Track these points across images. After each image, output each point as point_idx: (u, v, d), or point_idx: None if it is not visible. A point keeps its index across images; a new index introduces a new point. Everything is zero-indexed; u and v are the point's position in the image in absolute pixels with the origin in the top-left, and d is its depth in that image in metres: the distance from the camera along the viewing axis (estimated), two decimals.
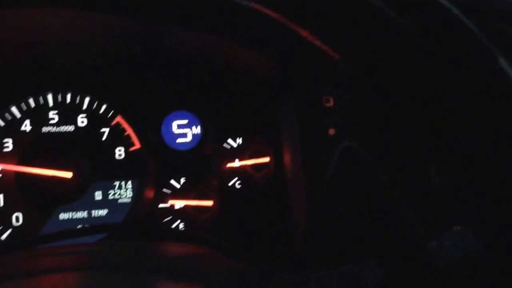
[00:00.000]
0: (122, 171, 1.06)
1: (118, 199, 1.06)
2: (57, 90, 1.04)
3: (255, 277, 0.58)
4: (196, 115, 1.10)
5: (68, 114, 1.04)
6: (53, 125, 1.04)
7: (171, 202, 1.06)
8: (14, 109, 1.02)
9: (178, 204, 1.06)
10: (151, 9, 0.82)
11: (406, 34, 0.63)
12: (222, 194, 1.08)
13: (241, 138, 1.10)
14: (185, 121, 1.10)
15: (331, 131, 0.96)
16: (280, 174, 1.07)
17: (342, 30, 0.73)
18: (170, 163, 1.08)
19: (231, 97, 1.09)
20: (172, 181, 1.07)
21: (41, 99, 1.03)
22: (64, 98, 1.05)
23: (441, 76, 0.72)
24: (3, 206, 1.00)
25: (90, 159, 1.04)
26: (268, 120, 1.07)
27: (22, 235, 1.00)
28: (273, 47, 0.93)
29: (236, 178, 1.09)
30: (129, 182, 1.07)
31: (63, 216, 1.03)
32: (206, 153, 1.09)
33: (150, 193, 1.06)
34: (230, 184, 1.09)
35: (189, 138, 1.10)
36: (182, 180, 1.07)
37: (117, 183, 1.06)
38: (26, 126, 1.02)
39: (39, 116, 1.03)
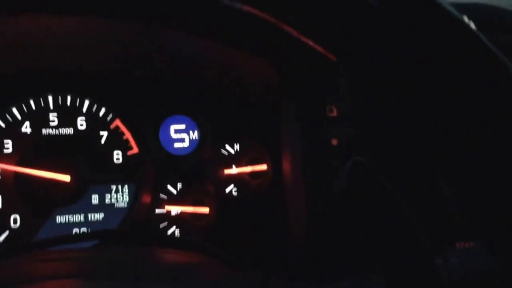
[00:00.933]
0: (119, 175, 1.07)
1: (115, 203, 1.06)
2: (57, 93, 1.05)
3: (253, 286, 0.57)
4: (194, 120, 1.10)
5: (68, 116, 1.05)
6: (53, 127, 1.04)
7: (167, 208, 1.06)
8: (14, 110, 1.03)
9: (175, 210, 1.06)
10: (150, 13, 0.82)
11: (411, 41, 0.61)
12: (219, 201, 1.08)
13: (238, 145, 1.09)
14: (183, 126, 1.10)
15: (334, 142, 0.94)
16: (277, 183, 1.06)
17: (333, 28, 0.71)
18: (167, 168, 1.08)
19: (230, 102, 1.09)
20: (169, 187, 1.07)
21: (41, 101, 1.04)
22: (64, 100, 1.05)
23: (450, 83, 0.69)
24: (2, 207, 1.01)
25: (88, 162, 1.05)
26: (267, 127, 1.06)
27: (19, 238, 1.01)
28: (273, 52, 0.92)
29: (232, 185, 1.09)
30: (126, 187, 1.07)
31: (60, 219, 1.03)
32: (203, 159, 1.09)
33: (147, 198, 1.06)
34: (226, 191, 1.08)
35: (186, 143, 1.09)
36: (179, 186, 1.07)
37: (114, 187, 1.07)
38: (26, 127, 1.03)
39: (39, 118, 1.04)
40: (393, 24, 0.59)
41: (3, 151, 1.02)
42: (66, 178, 1.03)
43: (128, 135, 1.07)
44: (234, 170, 1.09)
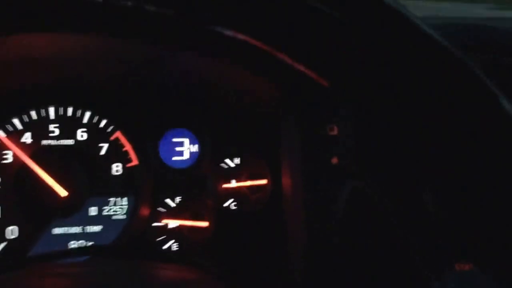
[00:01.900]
0: (118, 187, 1.06)
1: (113, 215, 1.06)
2: (59, 104, 1.05)
3: None
4: (194, 134, 1.10)
5: (68, 127, 1.05)
6: (53, 138, 1.05)
7: (165, 221, 1.06)
8: (15, 121, 1.03)
9: (172, 223, 1.06)
10: (150, 34, 0.83)
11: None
12: (217, 215, 1.07)
13: (239, 159, 1.09)
14: (182, 139, 1.09)
15: (334, 160, 0.94)
16: (277, 197, 1.05)
17: (320, 53, 0.72)
18: (166, 181, 1.07)
19: (230, 116, 1.09)
20: (168, 200, 1.06)
21: (42, 112, 1.05)
22: (65, 111, 1.06)
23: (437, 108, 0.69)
24: (0, 218, 1.01)
25: (88, 174, 1.05)
26: (268, 142, 1.06)
27: (16, 249, 1.00)
28: (274, 72, 0.92)
29: (232, 199, 1.08)
30: (125, 199, 1.07)
31: (57, 231, 1.03)
32: (203, 172, 1.09)
33: (145, 211, 1.06)
34: (225, 205, 1.08)
35: (186, 156, 1.09)
36: (178, 199, 1.07)
37: (112, 200, 1.06)
38: (27, 138, 1.04)
39: (40, 128, 1.04)
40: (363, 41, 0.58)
41: (2, 162, 1.02)
42: (64, 190, 1.02)
43: (128, 147, 1.07)
44: (233, 184, 1.08)
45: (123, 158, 1.07)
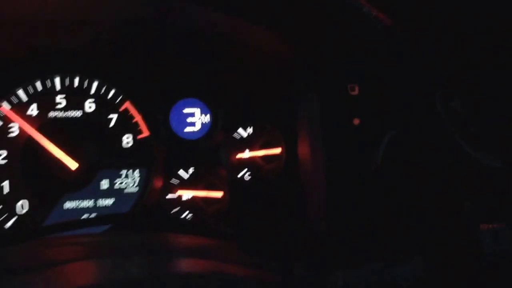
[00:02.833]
0: (129, 159, 1.04)
1: (125, 188, 1.03)
2: (65, 74, 1.01)
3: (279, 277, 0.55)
4: (206, 103, 1.07)
5: (75, 98, 1.02)
6: (60, 109, 1.01)
7: (179, 192, 1.03)
8: (20, 93, 0.99)
9: (186, 195, 1.04)
10: None
11: None
12: (232, 185, 1.05)
13: (251, 128, 1.07)
14: (194, 109, 1.07)
15: (356, 121, 0.91)
16: (292, 166, 1.03)
17: None
18: (179, 153, 1.05)
19: (242, 84, 1.06)
20: (181, 171, 1.04)
21: (48, 83, 1.00)
22: (72, 81, 1.02)
23: None
24: (8, 193, 0.97)
25: (97, 146, 1.02)
26: (282, 109, 1.04)
27: (27, 224, 0.98)
28: (293, 29, 0.88)
29: (245, 170, 1.06)
30: (137, 171, 1.04)
31: (68, 205, 1.00)
32: (216, 143, 1.06)
33: (158, 183, 1.04)
34: (239, 175, 1.06)
35: (198, 127, 1.07)
36: (191, 171, 1.05)
37: (124, 172, 1.04)
38: (33, 110, 1.00)
39: (46, 100, 1.00)
40: None
41: (8, 135, 0.98)
42: (74, 163, 1.00)
43: (138, 118, 1.04)
44: (247, 154, 1.06)
45: (134, 130, 1.04)
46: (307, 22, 0.83)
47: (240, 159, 1.06)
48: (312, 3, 0.75)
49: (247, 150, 1.06)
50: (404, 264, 0.56)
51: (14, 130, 0.99)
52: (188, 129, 1.06)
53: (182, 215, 1.04)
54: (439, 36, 0.79)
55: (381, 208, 0.86)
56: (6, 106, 0.98)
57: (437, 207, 0.83)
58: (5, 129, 0.97)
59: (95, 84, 1.02)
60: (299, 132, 0.99)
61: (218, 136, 1.06)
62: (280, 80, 1.02)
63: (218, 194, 1.04)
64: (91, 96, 1.03)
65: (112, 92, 1.03)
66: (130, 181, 1.04)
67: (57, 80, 1.01)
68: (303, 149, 0.98)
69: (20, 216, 0.97)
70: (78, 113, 1.02)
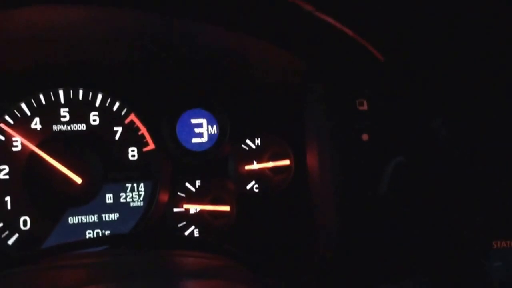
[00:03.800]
0: (134, 172, 1.01)
1: (130, 202, 1.00)
2: (68, 87, 1.00)
3: None
4: (213, 114, 1.05)
5: (79, 111, 1.00)
6: (64, 123, 0.99)
7: (186, 206, 1.00)
8: (23, 106, 0.97)
9: (193, 208, 1.01)
10: (172, 3, 0.77)
11: None
12: (239, 198, 1.02)
13: (259, 139, 1.04)
14: (201, 120, 1.04)
15: (365, 137, 0.89)
16: (301, 178, 1.00)
17: (388, 30, 0.69)
18: (185, 165, 1.02)
19: (250, 94, 1.04)
20: (187, 184, 1.01)
21: (51, 96, 0.99)
22: (76, 94, 1.00)
23: None
24: (10, 209, 0.95)
25: (102, 160, 0.99)
26: (290, 120, 1.01)
27: (30, 240, 0.95)
28: (304, 44, 0.87)
29: (254, 182, 1.03)
30: (142, 185, 1.01)
31: (72, 220, 0.98)
32: (223, 154, 1.04)
33: (164, 197, 1.01)
34: (247, 187, 1.03)
35: (205, 138, 1.04)
36: (198, 183, 1.02)
37: (129, 186, 1.01)
38: (36, 124, 0.98)
39: (49, 113, 0.98)
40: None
41: (11, 149, 0.96)
42: (78, 177, 0.97)
43: (143, 130, 1.02)
44: (255, 166, 1.03)
45: (139, 142, 1.01)
46: (318, 37, 0.82)
47: (249, 170, 1.03)
48: (323, 22, 0.74)
49: (255, 162, 1.03)
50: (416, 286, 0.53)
51: (17, 145, 0.97)
52: (195, 140, 1.04)
53: (188, 229, 1.01)
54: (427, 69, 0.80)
55: (389, 230, 0.83)
56: (8, 119, 0.96)
57: (445, 231, 0.80)
58: (8, 143, 0.96)
59: (99, 97, 1.00)
60: (308, 144, 0.97)
61: (225, 147, 1.03)
62: (288, 91, 0.99)
63: (226, 208, 1.00)
64: (95, 109, 1.01)
65: (116, 104, 1.01)
66: (135, 194, 1.01)
67: (61, 93, 0.99)
68: (312, 161, 0.95)
69: (22, 232, 0.94)
70: (82, 127, 1.00)
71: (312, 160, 0.96)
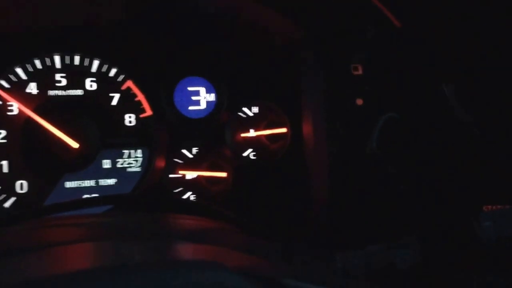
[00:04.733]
0: (132, 139, 1.01)
1: (127, 168, 1.01)
2: (64, 52, 0.99)
3: (278, 252, 0.53)
4: (211, 82, 1.05)
5: (76, 77, 0.99)
6: (60, 88, 0.99)
7: (182, 172, 1.01)
8: (19, 71, 0.97)
9: (190, 174, 1.01)
10: None
11: None
12: (236, 165, 1.03)
13: (257, 107, 1.05)
14: (199, 88, 1.04)
15: (359, 101, 0.90)
16: (297, 146, 1.01)
17: None
18: (182, 132, 1.03)
19: (248, 63, 1.04)
20: (184, 151, 1.02)
21: (47, 61, 0.98)
22: (72, 60, 0.99)
23: None
24: (7, 173, 0.95)
25: (99, 126, 0.99)
26: (287, 89, 1.02)
27: (27, 204, 0.95)
28: (300, 9, 0.87)
29: (250, 149, 1.04)
30: (139, 151, 1.02)
31: (69, 184, 0.98)
32: (220, 122, 1.04)
33: (161, 163, 1.01)
34: (244, 155, 1.04)
35: (202, 106, 1.04)
36: (195, 150, 1.02)
37: (126, 152, 1.01)
38: (32, 89, 0.97)
39: (45, 78, 0.98)
40: None
41: (8, 114, 0.96)
42: (75, 142, 0.97)
43: (141, 97, 1.01)
44: (252, 134, 1.03)
45: (136, 109, 1.01)
46: (315, 2, 0.82)
47: (245, 138, 1.04)
48: None
49: (252, 130, 1.04)
50: (403, 246, 0.54)
51: (13, 109, 0.97)
52: (193, 107, 1.04)
53: (185, 195, 1.02)
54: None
55: (380, 191, 0.84)
56: (4, 84, 0.95)
57: (437, 191, 0.81)
58: (4, 108, 0.95)
59: (95, 63, 1.00)
60: (303, 111, 0.98)
61: (223, 115, 1.04)
62: (285, 59, 0.99)
63: (222, 174, 1.01)
64: (92, 75, 1.00)
65: (113, 71, 1.01)
66: (132, 160, 1.01)
67: (57, 59, 0.98)
68: (307, 129, 0.96)
69: (19, 195, 0.95)
70: (79, 92, 0.99)
71: (307, 127, 0.97)
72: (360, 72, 0.90)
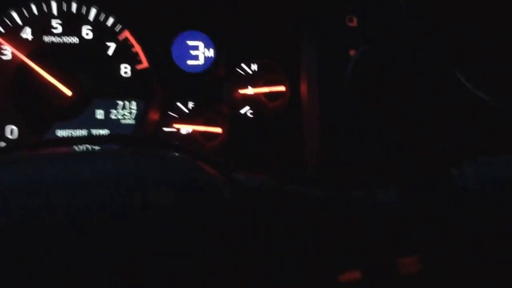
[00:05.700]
0: (126, 90, 0.99)
1: (121, 119, 0.98)
2: None
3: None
4: (210, 37, 1.02)
5: (72, 24, 0.97)
6: (56, 34, 0.96)
7: (177, 126, 0.99)
8: (14, 14, 0.94)
9: (185, 128, 0.99)
10: None
11: None
12: (233, 121, 1.01)
13: (256, 64, 1.02)
14: (197, 42, 1.02)
15: (352, 53, 0.88)
16: (295, 105, 0.99)
17: None
18: (179, 86, 1.00)
19: (248, 20, 1.01)
20: (180, 105, 1.00)
21: (44, 6, 0.96)
22: (69, 7, 0.97)
23: None
24: None
25: (93, 75, 0.97)
26: (286, 46, 0.99)
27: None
28: None
29: (248, 107, 1.02)
30: (134, 103, 0.99)
31: (60, 133, 0.96)
32: (218, 78, 1.01)
33: (155, 115, 0.99)
34: (241, 112, 1.01)
35: (201, 61, 1.01)
36: (191, 105, 1.00)
37: (120, 103, 0.99)
38: (27, 34, 0.95)
39: (41, 24, 0.96)
40: None
41: (0, 58, 0.94)
42: (68, 90, 0.95)
43: (137, 48, 0.99)
44: (250, 91, 1.01)
45: (132, 60, 0.99)
46: None
47: (243, 95, 1.01)
48: None
49: (250, 87, 1.01)
50: (383, 194, 0.52)
51: (7, 54, 0.94)
52: (191, 62, 1.01)
53: None
54: None
55: (359, 138, 0.82)
56: None
57: (413, 139, 0.79)
58: None
59: (93, 11, 0.98)
60: (301, 68, 0.95)
61: (221, 70, 1.01)
62: (285, 16, 0.97)
63: (218, 129, 0.99)
64: (88, 23, 0.98)
65: (111, 20, 0.98)
66: (126, 112, 0.99)
67: (53, 4, 0.96)
68: (304, 86, 0.93)
69: (9, 140, 0.93)
70: (74, 40, 0.97)
71: (304, 84, 0.95)
72: (354, 24, 0.87)
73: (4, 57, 0.94)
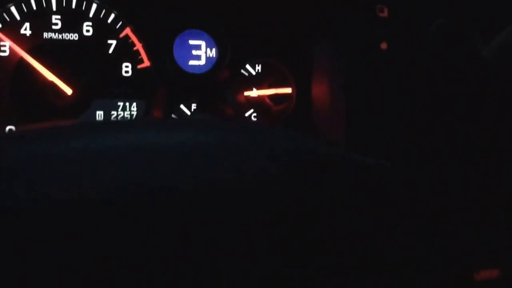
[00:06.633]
0: (127, 90, 0.96)
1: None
2: None
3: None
4: (212, 37, 0.99)
5: (72, 20, 0.94)
6: (55, 31, 0.93)
7: None
8: (13, 9, 0.91)
9: None
10: None
11: None
12: None
13: (260, 65, 0.99)
14: (200, 42, 0.99)
15: (384, 45, 0.83)
16: (303, 108, 0.95)
17: None
18: (181, 87, 0.97)
19: (253, 18, 0.97)
20: (182, 107, 0.97)
21: (43, 2, 0.93)
22: (69, 3, 0.94)
23: None
24: None
25: (94, 73, 0.94)
26: (293, 45, 0.95)
27: None
28: None
29: (252, 110, 0.99)
30: (134, 104, 0.97)
31: None
32: (221, 79, 0.98)
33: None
34: (245, 115, 0.98)
35: (203, 61, 0.99)
36: (193, 107, 0.97)
37: (121, 104, 0.96)
38: (26, 29, 0.92)
39: (40, 19, 0.93)
40: None
41: None
42: (68, 88, 0.92)
43: (139, 46, 0.96)
44: (254, 93, 0.98)
45: (134, 58, 0.96)
46: None
47: (247, 97, 0.98)
48: None
49: (254, 89, 0.98)
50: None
51: (5, 50, 0.92)
52: (193, 62, 0.98)
53: None
54: None
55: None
56: None
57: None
58: None
59: (93, 7, 0.95)
60: (315, 70, 0.91)
61: (224, 71, 0.98)
62: (293, 12, 0.93)
63: None
64: (89, 19, 0.95)
65: (111, 16, 0.95)
66: (127, 114, 0.96)
67: (53, 0, 0.93)
68: (319, 88, 0.89)
69: None
70: (74, 36, 0.94)
71: (319, 86, 0.90)
72: (385, 14, 0.82)
73: (2, 54, 0.91)
